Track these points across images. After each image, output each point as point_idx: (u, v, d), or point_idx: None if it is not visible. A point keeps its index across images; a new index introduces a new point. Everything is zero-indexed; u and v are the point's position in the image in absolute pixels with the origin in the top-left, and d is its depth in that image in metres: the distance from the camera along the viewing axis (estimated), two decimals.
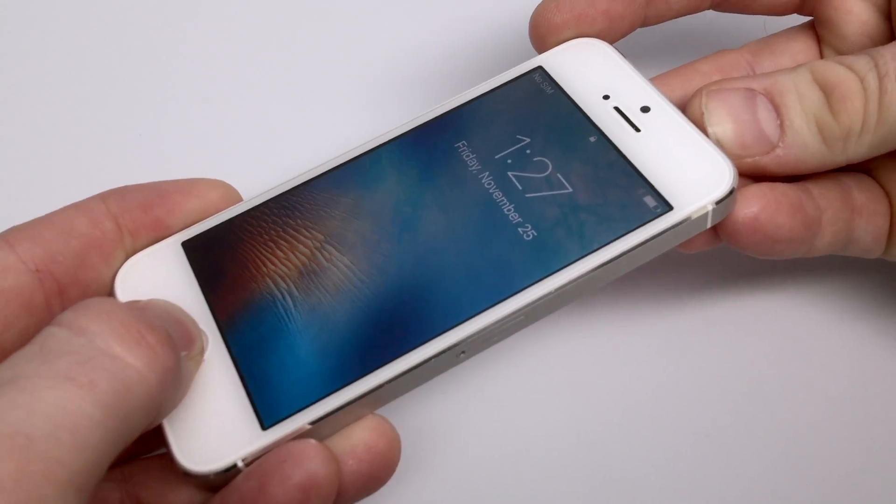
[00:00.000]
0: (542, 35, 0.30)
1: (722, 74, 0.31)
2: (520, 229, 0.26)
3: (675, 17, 0.31)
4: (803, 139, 0.26)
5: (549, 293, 0.25)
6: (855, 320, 0.32)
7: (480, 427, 0.30)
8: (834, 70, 0.26)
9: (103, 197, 0.26)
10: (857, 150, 0.26)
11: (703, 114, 0.27)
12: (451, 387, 0.31)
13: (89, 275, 0.25)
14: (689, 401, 0.31)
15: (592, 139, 0.27)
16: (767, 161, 0.27)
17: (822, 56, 0.31)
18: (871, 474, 0.29)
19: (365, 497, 0.24)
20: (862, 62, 0.26)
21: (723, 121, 0.27)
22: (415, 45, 0.39)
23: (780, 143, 0.27)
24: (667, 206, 0.26)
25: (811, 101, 0.26)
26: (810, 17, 0.32)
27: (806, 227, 0.27)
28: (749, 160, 0.27)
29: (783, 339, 0.32)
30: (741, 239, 0.27)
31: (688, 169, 0.26)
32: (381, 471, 0.24)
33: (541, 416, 0.30)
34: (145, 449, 0.26)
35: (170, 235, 0.27)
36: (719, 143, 0.27)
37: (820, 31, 0.31)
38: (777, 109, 0.27)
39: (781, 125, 0.27)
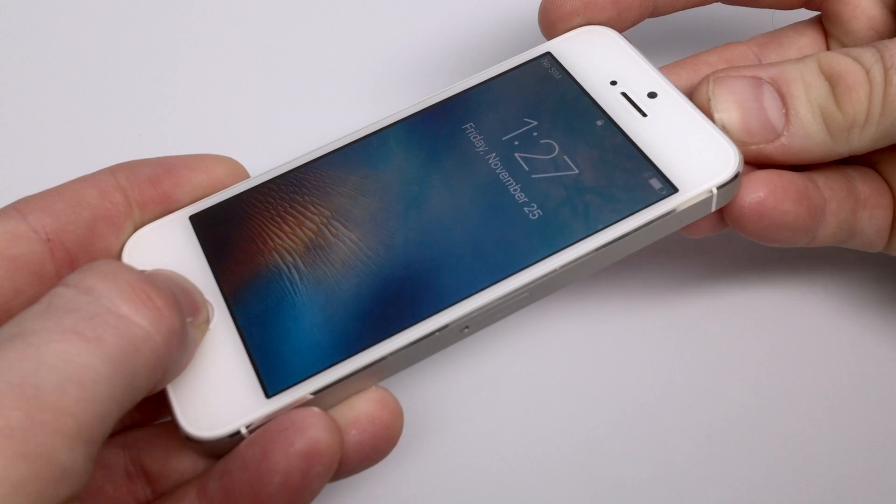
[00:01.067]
0: (552, 21, 0.30)
1: (729, 65, 0.31)
2: (525, 208, 0.26)
3: (685, 9, 0.32)
4: (808, 128, 0.27)
5: (553, 271, 0.25)
6: (858, 315, 0.32)
7: (481, 410, 0.30)
8: (840, 61, 0.27)
9: (112, 170, 0.26)
10: (861, 141, 0.27)
11: (709, 100, 0.27)
12: (454, 367, 0.31)
13: (99, 245, 0.26)
14: (689, 396, 0.31)
15: (599, 123, 0.28)
16: (772, 149, 0.27)
17: (829, 50, 0.32)
18: (874, 472, 0.29)
19: (366, 468, 0.24)
20: (868, 54, 0.26)
21: (729, 107, 0.27)
22: (424, 34, 0.39)
23: (785, 132, 0.27)
24: (672, 189, 0.26)
25: (817, 90, 0.27)
26: (818, 12, 0.32)
27: (811, 216, 0.27)
28: (754, 147, 0.27)
29: (785, 332, 0.32)
30: (746, 223, 0.27)
31: (693, 153, 0.26)
32: (383, 442, 0.24)
33: (540, 409, 0.30)
34: (149, 418, 0.26)
35: (177, 209, 0.27)
36: (725, 130, 0.27)
37: (827, 26, 0.31)
38: (783, 98, 0.27)
39: (787, 114, 0.27)
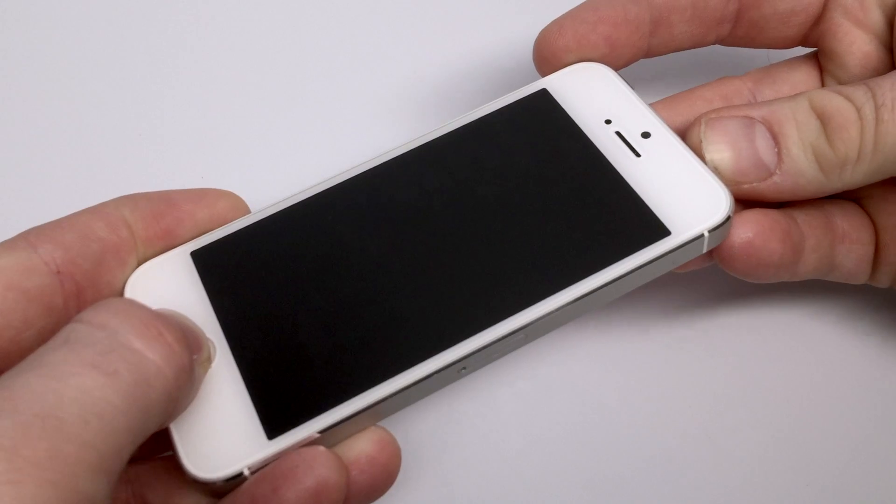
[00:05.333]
0: (546, 58, 0.31)
1: (724, 101, 0.32)
2: (520, 249, 0.26)
3: (680, 50, 0.32)
4: (800, 167, 0.27)
5: (548, 314, 0.25)
6: (853, 326, 0.33)
7: (478, 432, 0.31)
8: (831, 99, 0.27)
9: (117, 203, 0.27)
10: (854, 177, 0.27)
11: (701, 142, 0.28)
12: (451, 396, 0.32)
13: (105, 278, 0.26)
14: (689, 409, 0.31)
15: (594, 163, 0.28)
16: (765, 188, 0.28)
17: (823, 86, 0.32)
18: (874, 472, 0.30)
19: None
20: (859, 92, 0.27)
21: (721, 149, 0.28)
22: (421, 70, 0.39)
23: (778, 171, 0.27)
24: (665, 232, 0.26)
25: (809, 129, 0.27)
26: (814, 48, 0.32)
27: (794, 253, 0.28)
28: (747, 186, 0.28)
29: (784, 347, 0.32)
30: (735, 262, 0.27)
31: (686, 195, 0.27)
32: (381, 482, 0.25)
33: (537, 420, 0.31)
34: (149, 452, 0.27)
35: (179, 244, 0.28)
36: (717, 171, 0.28)
37: (822, 62, 0.32)
38: (775, 138, 0.27)
39: (779, 153, 0.27)
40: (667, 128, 0.29)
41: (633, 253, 0.26)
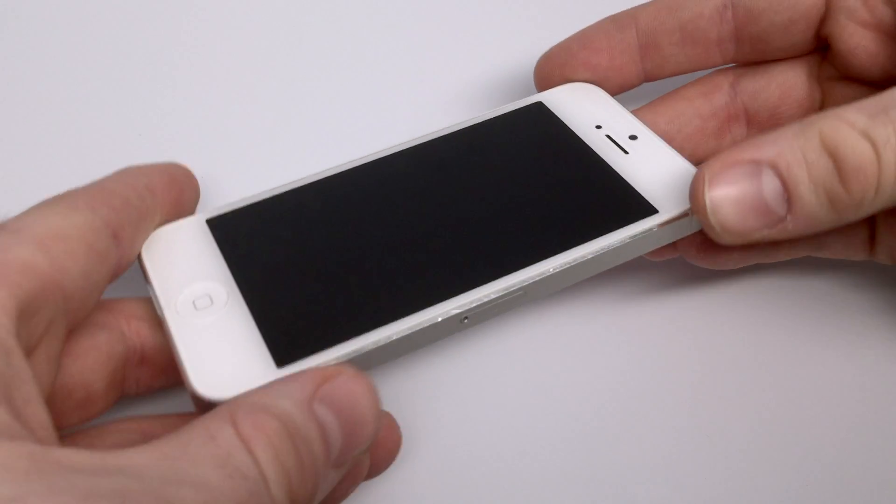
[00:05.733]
0: (542, 81, 0.34)
1: (705, 99, 0.33)
2: (524, 220, 0.29)
3: (685, 73, 0.34)
4: (812, 211, 0.26)
5: (548, 272, 0.27)
6: (855, 317, 0.33)
7: (477, 411, 0.31)
8: (846, 138, 0.25)
9: (139, 172, 0.28)
10: (872, 209, 0.26)
11: (706, 206, 0.27)
12: (448, 366, 0.32)
13: (138, 245, 0.27)
14: (688, 395, 0.32)
15: (587, 157, 0.31)
16: (776, 233, 0.26)
17: (819, 84, 0.33)
18: (874, 472, 0.30)
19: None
20: (879, 129, 0.25)
21: (727, 212, 0.26)
22: (429, 79, 0.41)
23: (789, 216, 0.26)
24: (653, 210, 0.29)
25: (820, 171, 0.25)
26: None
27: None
28: (758, 235, 0.27)
29: (784, 332, 0.33)
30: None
31: (670, 183, 0.30)
32: (384, 462, 0.26)
33: (536, 413, 0.31)
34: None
35: (185, 214, 0.29)
36: (724, 229, 0.27)
37: (830, 61, 0.32)
38: (784, 183, 0.26)
39: (789, 199, 0.26)
40: (652, 132, 0.32)
41: (627, 225, 0.28)
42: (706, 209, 0.26)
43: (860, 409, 0.31)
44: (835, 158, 0.25)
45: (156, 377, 0.27)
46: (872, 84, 0.31)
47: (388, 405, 0.26)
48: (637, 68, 0.33)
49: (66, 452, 0.18)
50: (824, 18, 0.31)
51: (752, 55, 0.33)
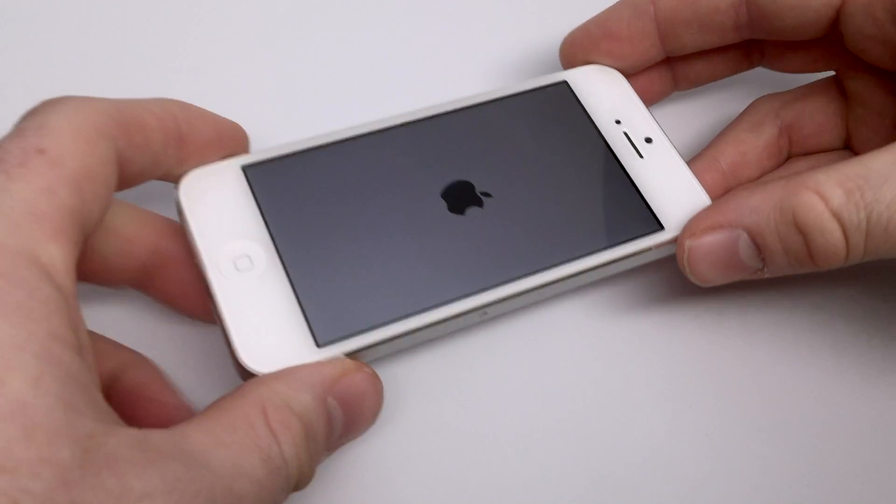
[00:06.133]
0: (569, 62, 0.35)
1: (755, 133, 0.34)
2: (530, 223, 0.30)
3: (699, 50, 0.34)
4: (785, 269, 0.29)
5: (559, 277, 0.29)
6: (854, 322, 0.34)
7: (477, 405, 0.31)
8: (816, 219, 0.27)
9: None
10: (843, 266, 0.28)
11: (688, 270, 0.29)
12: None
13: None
14: (689, 400, 0.32)
15: (603, 155, 0.32)
16: (755, 278, 0.29)
17: (848, 109, 0.34)
18: (874, 471, 0.31)
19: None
20: (851, 212, 0.26)
21: (708, 274, 0.29)
22: (460, 48, 0.40)
23: (766, 269, 0.29)
24: (659, 226, 0.30)
25: (792, 244, 0.28)
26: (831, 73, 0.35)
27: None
28: (736, 280, 0.30)
29: (781, 337, 0.33)
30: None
31: (677, 198, 0.31)
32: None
33: (535, 411, 0.31)
34: None
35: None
36: (703, 283, 0.30)
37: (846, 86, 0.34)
38: (758, 247, 0.28)
39: (763, 259, 0.28)
40: (666, 137, 0.33)
41: (630, 239, 0.30)
42: (686, 268, 0.29)
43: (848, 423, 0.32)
44: (805, 238, 0.27)
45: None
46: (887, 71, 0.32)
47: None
48: (658, 51, 0.34)
49: (153, 436, 0.20)
50: (835, 22, 0.31)
51: (768, 37, 0.34)
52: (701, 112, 0.39)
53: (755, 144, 0.34)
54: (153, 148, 0.26)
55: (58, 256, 0.21)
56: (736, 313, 0.34)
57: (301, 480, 0.23)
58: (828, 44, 0.33)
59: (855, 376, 0.33)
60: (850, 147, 0.35)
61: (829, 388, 0.32)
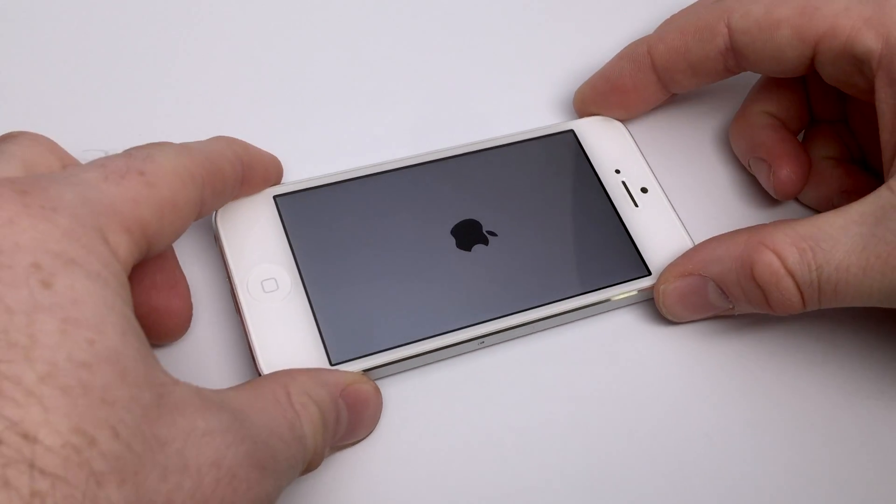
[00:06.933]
0: (581, 110, 0.38)
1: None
2: (528, 263, 0.33)
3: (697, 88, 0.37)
4: (751, 310, 0.31)
5: (552, 313, 0.32)
6: (854, 321, 0.34)
7: (475, 409, 0.32)
8: (772, 276, 0.29)
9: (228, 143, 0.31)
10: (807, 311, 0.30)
11: (662, 308, 0.33)
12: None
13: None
14: (689, 400, 0.32)
15: (601, 201, 0.35)
16: (726, 314, 0.33)
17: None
18: (873, 471, 0.31)
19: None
20: (804, 272, 0.29)
21: (681, 315, 0.33)
22: (466, 93, 0.40)
23: (734, 308, 0.32)
24: (647, 271, 0.33)
25: (752, 296, 0.30)
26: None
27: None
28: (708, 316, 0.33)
29: (782, 342, 0.34)
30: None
31: (666, 247, 0.34)
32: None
33: (533, 407, 0.32)
34: None
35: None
36: (677, 321, 0.33)
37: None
38: (725, 293, 0.31)
39: (731, 301, 0.32)
40: (660, 188, 0.36)
41: (621, 282, 0.33)
42: (662, 309, 0.33)
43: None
44: (763, 292, 0.30)
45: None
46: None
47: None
48: (661, 94, 0.37)
49: (205, 391, 0.23)
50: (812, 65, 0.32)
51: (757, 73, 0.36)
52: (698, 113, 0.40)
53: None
54: (226, 193, 0.30)
55: (123, 245, 0.23)
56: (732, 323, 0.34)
57: (313, 461, 0.26)
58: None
59: (855, 376, 0.33)
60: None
61: (829, 387, 0.33)
